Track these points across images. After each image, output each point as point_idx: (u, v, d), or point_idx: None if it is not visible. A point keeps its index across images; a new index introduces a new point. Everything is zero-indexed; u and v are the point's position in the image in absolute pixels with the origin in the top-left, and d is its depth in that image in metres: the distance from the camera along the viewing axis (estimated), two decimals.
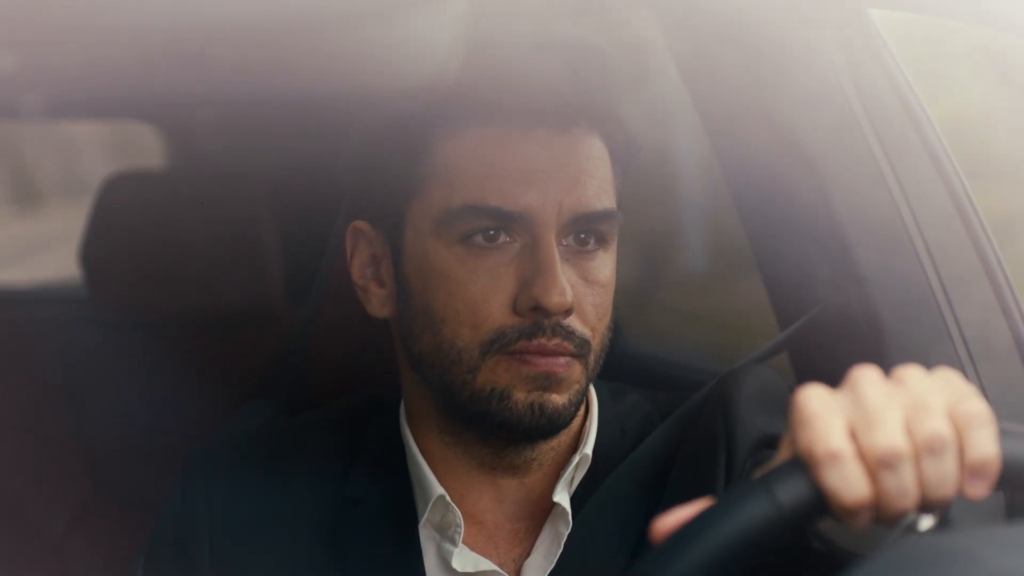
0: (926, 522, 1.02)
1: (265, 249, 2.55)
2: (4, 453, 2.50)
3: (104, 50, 1.02)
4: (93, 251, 2.52)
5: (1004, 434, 1.01)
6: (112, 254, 2.52)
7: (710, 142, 1.81)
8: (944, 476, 0.99)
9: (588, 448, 1.49)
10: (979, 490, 1.00)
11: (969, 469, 1.00)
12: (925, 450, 0.99)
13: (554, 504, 1.46)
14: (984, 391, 1.59)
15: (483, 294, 1.40)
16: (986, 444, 1.00)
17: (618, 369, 1.55)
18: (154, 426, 2.44)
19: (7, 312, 2.78)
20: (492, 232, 1.40)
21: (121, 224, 2.52)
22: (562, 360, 1.40)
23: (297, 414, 1.67)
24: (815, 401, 1.02)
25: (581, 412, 1.49)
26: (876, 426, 1.00)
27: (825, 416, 1.01)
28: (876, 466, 0.99)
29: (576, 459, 1.47)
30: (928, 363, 1.59)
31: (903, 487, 0.99)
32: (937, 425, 1.00)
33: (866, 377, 1.03)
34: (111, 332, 2.55)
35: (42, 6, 1.00)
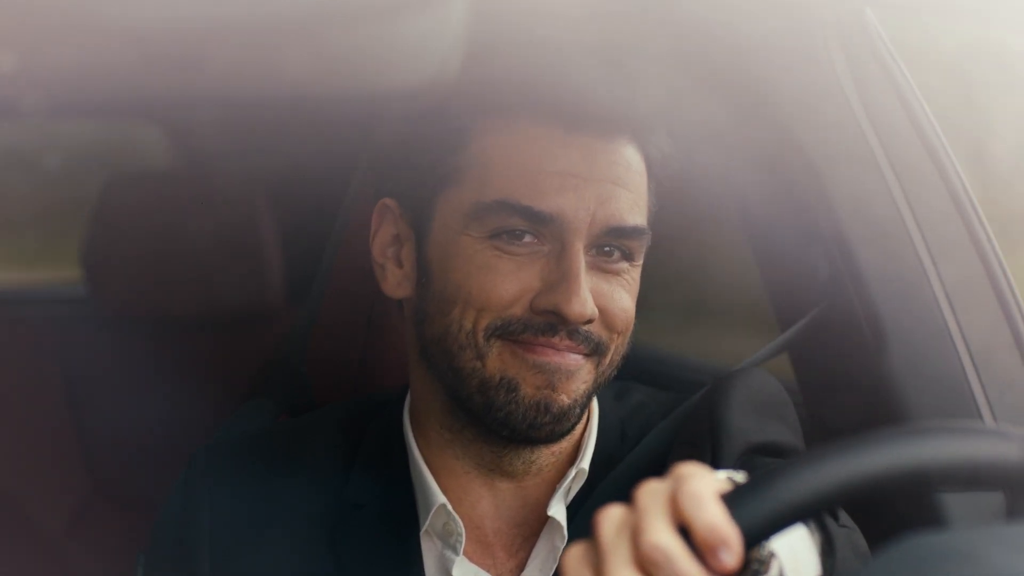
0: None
1: (265, 249, 2.55)
2: (4, 453, 2.50)
3: (104, 50, 1.02)
4: (94, 251, 2.52)
5: (734, 496, 0.97)
6: (113, 254, 2.52)
7: (710, 141, 1.81)
8: None
9: (585, 463, 1.48)
10: (728, 560, 0.95)
11: (706, 549, 0.95)
12: (651, 567, 0.95)
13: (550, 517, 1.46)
14: (984, 391, 1.59)
15: (500, 283, 1.39)
16: (708, 517, 0.95)
17: (618, 368, 1.55)
18: (154, 426, 2.44)
19: (7, 312, 2.78)
20: (519, 231, 1.39)
21: (122, 224, 2.52)
22: (572, 356, 1.40)
23: (297, 414, 1.66)
24: (567, 564, 0.98)
25: (583, 420, 1.49)
26: (603, 573, 0.96)
27: None
28: None
29: (572, 473, 1.47)
30: (928, 363, 1.60)
31: None
32: (650, 539, 0.95)
33: (601, 518, 0.99)
34: (111, 332, 2.55)
35: (42, 6, 1.00)
